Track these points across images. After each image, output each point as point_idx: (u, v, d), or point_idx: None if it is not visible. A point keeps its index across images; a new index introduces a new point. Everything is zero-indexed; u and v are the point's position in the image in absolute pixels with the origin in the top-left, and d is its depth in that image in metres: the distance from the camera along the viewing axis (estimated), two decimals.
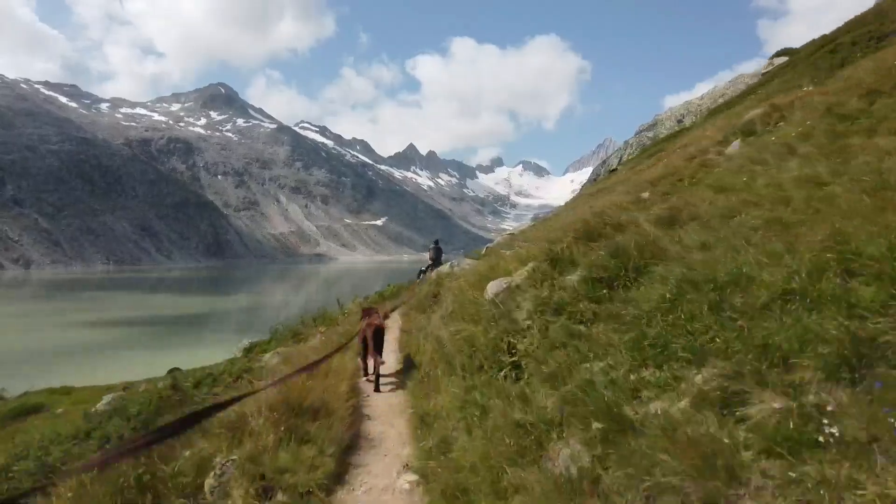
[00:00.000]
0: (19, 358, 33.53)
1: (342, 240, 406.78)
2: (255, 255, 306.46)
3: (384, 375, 7.92)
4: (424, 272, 20.95)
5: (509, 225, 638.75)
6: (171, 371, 18.13)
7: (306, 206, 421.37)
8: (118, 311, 60.20)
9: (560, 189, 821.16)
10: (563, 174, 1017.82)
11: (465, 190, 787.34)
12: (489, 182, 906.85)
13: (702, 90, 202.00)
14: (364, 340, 7.83)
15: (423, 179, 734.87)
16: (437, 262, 20.24)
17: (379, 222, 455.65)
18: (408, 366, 8.11)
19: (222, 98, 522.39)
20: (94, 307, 64.57)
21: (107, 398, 13.87)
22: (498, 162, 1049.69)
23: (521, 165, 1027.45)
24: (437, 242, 21.67)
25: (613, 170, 45.64)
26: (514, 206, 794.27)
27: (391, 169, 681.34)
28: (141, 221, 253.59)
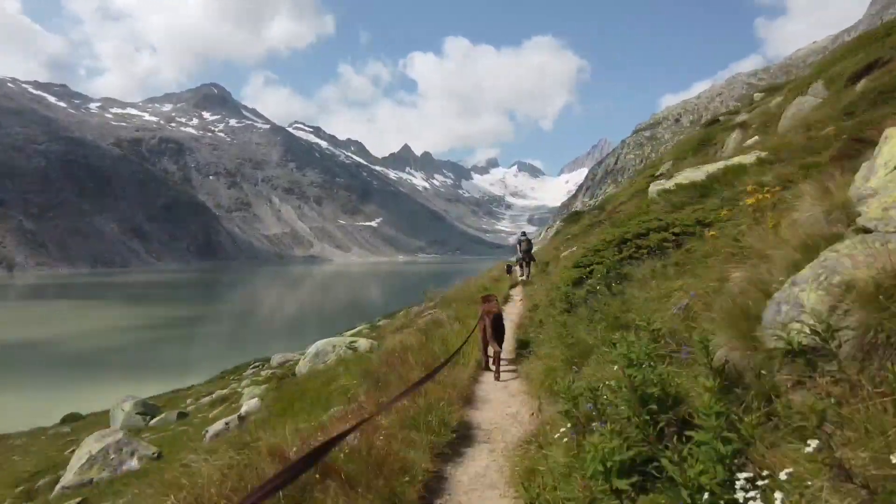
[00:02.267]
0: None
1: (336, 241, 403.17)
2: (248, 256, 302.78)
3: (504, 359, 8.00)
4: (517, 267, 20.06)
5: (504, 227, 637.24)
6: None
7: (299, 207, 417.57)
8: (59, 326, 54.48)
9: (555, 190, 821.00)
10: (559, 175, 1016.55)
11: (460, 191, 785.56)
12: (484, 183, 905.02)
13: (699, 89, 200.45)
14: (484, 329, 7.77)
15: (417, 181, 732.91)
16: (529, 254, 19.32)
17: (373, 223, 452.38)
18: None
19: (215, 98, 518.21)
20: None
21: None
22: (493, 163, 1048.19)
23: (515, 166, 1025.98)
24: (525, 234, 20.37)
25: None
26: (509, 206, 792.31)
27: (386, 170, 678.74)
28: (130, 223, 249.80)
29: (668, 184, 12.25)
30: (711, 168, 11.12)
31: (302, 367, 14.97)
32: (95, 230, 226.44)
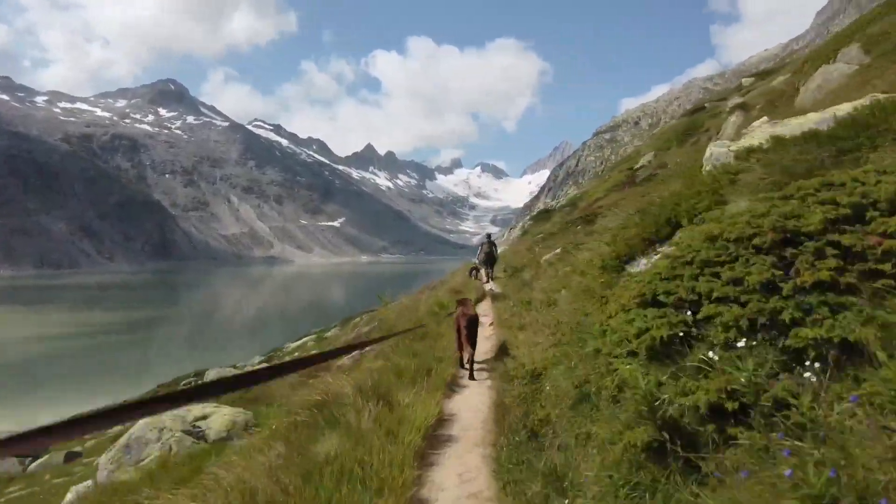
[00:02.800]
0: None
1: (297, 241, 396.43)
2: (205, 257, 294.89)
3: (478, 362, 8.10)
4: (479, 271, 19.32)
5: (468, 227, 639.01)
6: None
7: (259, 206, 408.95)
8: None
9: (518, 191, 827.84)
10: (521, 176, 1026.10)
11: (424, 191, 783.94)
12: (448, 183, 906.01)
13: (658, 93, 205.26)
14: (459, 330, 8.01)
15: (381, 180, 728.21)
16: (492, 257, 18.85)
17: (336, 223, 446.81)
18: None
19: (172, 95, 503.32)
20: None
21: None
22: (457, 163, 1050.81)
23: (479, 167, 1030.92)
24: (489, 237, 20.05)
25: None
26: (473, 207, 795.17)
27: (349, 169, 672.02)
28: (80, 222, 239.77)
29: (752, 141, 7.70)
30: (841, 110, 7.10)
31: (103, 469, 8.94)
32: (42, 229, 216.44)
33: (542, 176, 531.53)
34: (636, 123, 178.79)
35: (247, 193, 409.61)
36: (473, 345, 7.90)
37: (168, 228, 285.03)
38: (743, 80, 40.11)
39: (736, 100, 26.26)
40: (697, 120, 30.49)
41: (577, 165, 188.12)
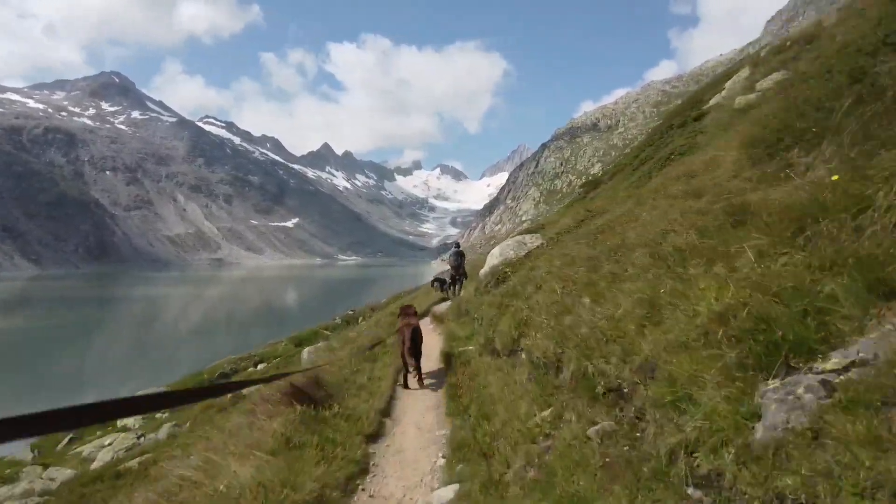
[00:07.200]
0: None
1: (247, 242, 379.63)
2: (147, 259, 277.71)
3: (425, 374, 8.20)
4: (447, 284, 17.58)
5: (428, 228, 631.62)
6: None
7: (207, 205, 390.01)
8: None
9: (477, 193, 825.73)
10: (480, 178, 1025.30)
11: (382, 192, 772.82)
12: (407, 185, 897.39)
13: (617, 97, 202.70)
14: (402, 342, 8.01)
15: (338, 180, 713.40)
16: (460, 270, 16.80)
17: (289, 224, 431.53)
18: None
19: (115, 88, 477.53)
20: None
21: None
22: (417, 165, 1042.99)
23: (438, 168, 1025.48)
24: (457, 246, 17.77)
25: None
26: (432, 209, 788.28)
27: (304, 168, 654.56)
28: (3, 220, 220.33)
29: None
30: None
31: None
32: None
33: (501, 178, 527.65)
34: (595, 125, 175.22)
35: (194, 192, 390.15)
36: (418, 356, 7.89)
37: (106, 229, 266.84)
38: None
39: (745, 72, 17.19)
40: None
41: (537, 167, 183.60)
